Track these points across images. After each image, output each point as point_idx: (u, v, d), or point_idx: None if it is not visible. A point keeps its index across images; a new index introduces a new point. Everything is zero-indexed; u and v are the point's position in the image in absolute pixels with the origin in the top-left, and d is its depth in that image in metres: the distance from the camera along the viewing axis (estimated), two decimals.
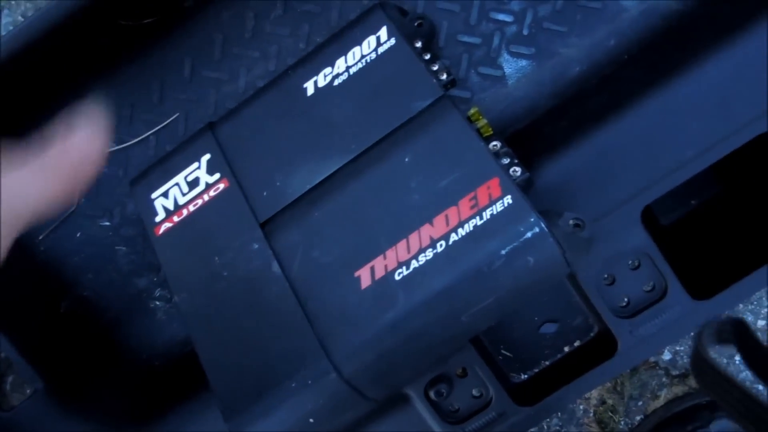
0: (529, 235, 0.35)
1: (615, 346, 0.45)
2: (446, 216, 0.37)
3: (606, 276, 0.44)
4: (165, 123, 0.50)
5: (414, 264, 0.36)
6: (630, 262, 0.44)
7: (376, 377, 0.38)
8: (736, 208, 0.50)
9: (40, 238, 0.50)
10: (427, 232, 0.37)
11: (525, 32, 0.49)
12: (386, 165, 0.39)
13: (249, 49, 0.51)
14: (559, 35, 0.49)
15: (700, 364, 0.42)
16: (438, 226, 0.37)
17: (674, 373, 0.56)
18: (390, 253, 0.37)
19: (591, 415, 0.56)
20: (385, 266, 0.36)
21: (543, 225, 0.35)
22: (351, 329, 0.36)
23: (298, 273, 0.38)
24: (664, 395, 0.56)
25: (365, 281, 0.36)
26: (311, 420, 0.37)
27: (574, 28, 0.49)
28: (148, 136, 0.50)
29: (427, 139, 0.39)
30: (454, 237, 0.36)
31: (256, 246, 0.39)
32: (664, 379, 0.56)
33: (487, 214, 0.36)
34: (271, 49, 0.51)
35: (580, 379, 0.45)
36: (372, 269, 0.37)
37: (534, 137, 0.48)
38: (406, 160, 0.39)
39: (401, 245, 0.37)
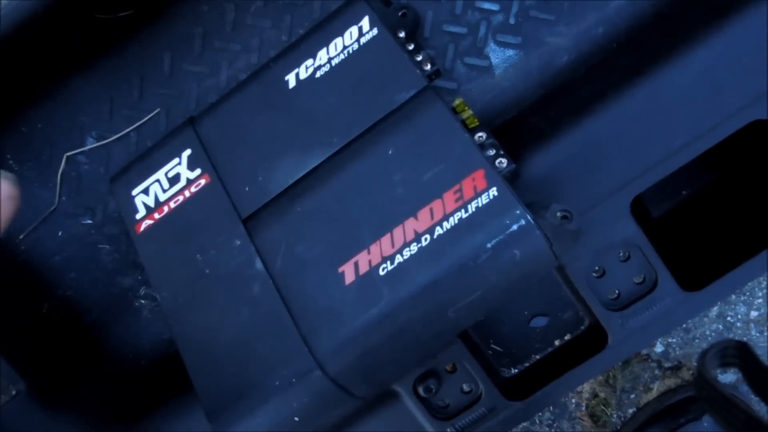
0: (514, 227, 0.35)
1: (606, 339, 0.45)
2: (431, 209, 0.36)
3: (596, 268, 0.44)
4: (145, 119, 0.49)
5: (398, 259, 0.35)
6: (620, 254, 0.44)
7: (362, 374, 0.37)
8: (728, 198, 0.50)
9: (21, 237, 0.49)
10: (411, 225, 0.36)
11: (512, 21, 0.48)
12: (369, 158, 0.38)
13: (230, 42, 0.50)
14: (546, 24, 0.48)
15: (704, 385, 0.42)
16: (422, 219, 0.36)
17: (666, 365, 0.56)
18: (374, 248, 0.36)
19: (583, 408, 0.56)
20: (369, 261, 0.36)
21: (529, 217, 0.35)
22: (335, 326, 0.36)
23: (281, 269, 0.38)
24: (657, 388, 0.55)
25: (349, 277, 0.36)
26: (296, 419, 0.36)
27: (562, 17, 0.48)
28: (129, 132, 0.49)
29: (411, 131, 0.38)
30: (438, 231, 0.35)
31: (238, 242, 0.39)
32: (656, 372, 0.56)
33: (472, 207, 0.35)
34: (253, 42, 0.50)
35: (570, 373, 0.44)
36: (356, 264, 0.36)
37: (521, 128, 0.47)
38: (390, 152, 0.38)
39: (385, 240, 0.36)
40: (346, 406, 0.38)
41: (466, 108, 0.42)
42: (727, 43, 0.42)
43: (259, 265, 0.38)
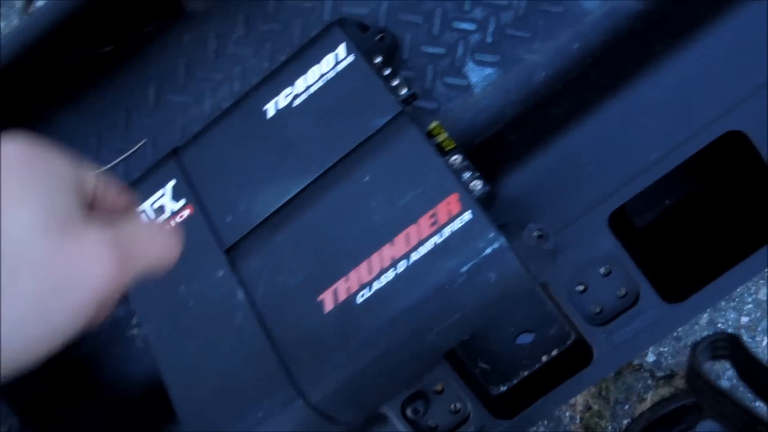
0: (488, 251, 0.35)
1: (591, 353, 0.45)
2: (407, 235, 0.36)
3: (578, 284, 0.44)
4: (133, 150, 0.49)
5: (376, 285, 0.36)
6: (601, 269, 0.44)
7: (346, 401, 0.37)
8: (710, 206, 0.50)
9: None
10: (388, 252, 0.36)
11: (489, 40, 0.49)
12: (346, 185, 0.39)
13: (213, 71, 0.51)
14: (523, 41, 0.48)
15: (696, 379, 0.42)
16: (398, 245, 0.36)
17: (659, 374, 0.56)
18: (352, 275, 0.36)
19: (578, 421, 0.56)
20: (348, 289, 0.36)
21: (503, 240, 0.35)
22: (316, 355, 0.36)
23: (262, 299, 0.38)
24: (650, 397, 0.55)
25: (328, 305, 0.36)
26: None
27: (538, 34, 0.48)
28: (117, 163, 0.50)
29: (386, 157, 0.39)
30: (414, 256, 0.36)
31: (220, 273, 0.39)
32: (649, 381, 0.56)
33: (446, 232, 0.36)
34: (235, 70, 0.51)
35: (557, 389, 0.44)
36: (335, 292, 0.36)
37: (499, 147, 0.48)
38: (366, 179, 0.39)
39: (363, 266, 0.36)
40: None
41: (442, 131, 0.43)
42: (698, 56, 0.42)
43: (240, 295, 0.38)
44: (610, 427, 0.55)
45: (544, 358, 0.48)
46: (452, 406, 0.46)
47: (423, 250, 0.36)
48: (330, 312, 0.36)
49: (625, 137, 0.42)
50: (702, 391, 0.42)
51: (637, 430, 0.55)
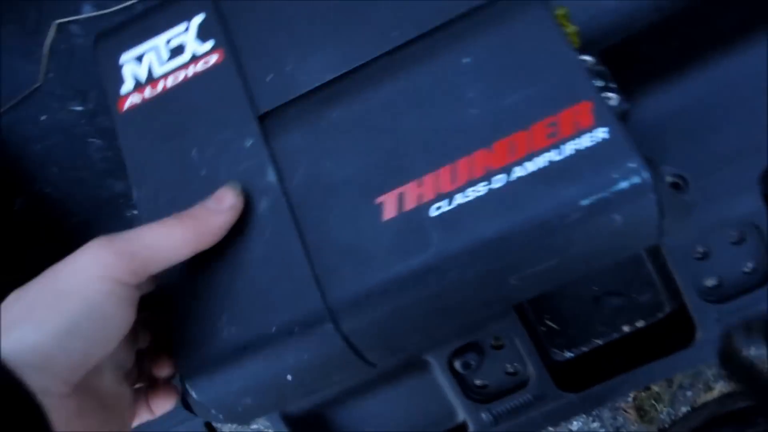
0: (624, 185, 0.26)
1: (691, 333, 0.36)
2: (512, 142, 0.27)
3: (698, 249, 0.35)
4: None
5: (459, 199, 0.27)
6: (733, 234, 0.35)
7: (385, 338, 0.29)
8: None
9: None
10: (482, 159, 0.27)
11: None
12: (436, 64, 0.29)
13: None
14: None
15: (730, 356, 0.36)
16: (498, 153, 0.27)
17: None
18: (428, 180, 0.27)
19: (630, 399, 0.48)
20: (420, 196, 0.27)
21: (647, 176, 0.26)
22: (360, 270, 0.27)
23: (299, 187, 0.29)
24: (720, 388, 0.48)
25: (389, 211, 0.28)
26: (289, 377, 0.29)
27: None
28: (135, 3, 0.39)
29: (498, 36, 0.29)
30: (518, 171, 0.27)
31: (248, 143, 0.30)
32: (722, 370, 0.48)
33: (568, 148, 0.26)
34: None
35: (643, 369, 0.37)
36: (400, 197, 0.28)
37: (627, 60, 0.37)
38: (465, 60, 0.29)
39: (444, 172, 0.27)
40: (353, 372, 0.30)
41: (568, 23, 0.33)
42: None
43: (271, 175, 0.29)
44: (665, 412, 0.48)
45: (626, 329, 0.40)
46: (509, 365, 0.38)
47: (531, 166, 0.27)
48: (390, 220, 0.27)
49: None
50: (735, 369, 0.36)
51: (698, 422, 0.47)
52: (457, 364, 0.37)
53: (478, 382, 0.38)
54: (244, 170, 0.29)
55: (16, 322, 0.23)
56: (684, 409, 0.48)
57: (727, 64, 0.35)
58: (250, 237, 0.29)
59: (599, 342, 0.40)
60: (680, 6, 0.38)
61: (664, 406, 0.48)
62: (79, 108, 0.42)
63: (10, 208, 0.41)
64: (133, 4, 0.39)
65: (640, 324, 0.39)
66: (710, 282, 0.36)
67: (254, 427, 0.56)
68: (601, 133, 0.26)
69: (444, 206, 0.27)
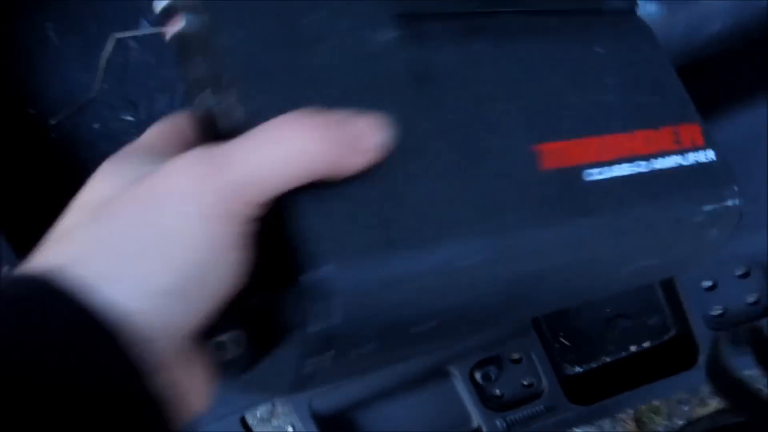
0: (730, 204, 0.28)
1: (695, 356, 0.39)
2: (648, 136, 0.28)
3: (708, 279, 0.38)
4: None
5: (611, 171, 0.27)
6: (739, 268, 0.38)
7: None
8: None
9: (53, 122, 0.43)
10: (627, 142, 0.27)
11: None
12: (573, 42, 0.29)
13: None
14: None
15: (716, 368, 0.38)
16: (638, 142, 0.27)
17: None
18: (589, 143, 0.27)
19: (630, 411, 0.51)
20: (580, 156, 0.26)
21: (739, 202, 0.28)
22: (521, 214, 0.25)
23: (447, 106, 0.25)
24: (715, 404, 0.51)
25: (548, 161, 0.26)
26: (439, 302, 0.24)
27: None
28: None
29: (621, 41, 0.30)
30: (656, 164, 0.27)
31: (384, 36, 0.25)
32: None
33: (690, 158, 0.28)
34: None
35: (648, 387, 0.39)
36: (562, 151, 0.26)
37: None
38: (599, 50, 0.30)
39: (598, 141, 0.27)
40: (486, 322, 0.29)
41: None
42: None
43: (412, 86, 0.24)
44: (663, 426, 0.51)
45: (633, 348, 0.43)
46: (525, 379, 0.41)
47: (665, 162, 0.27)
48: (549, 172, 0.26)
49: None
50: (722, 383, 0.38)
51: None
52: (478, 375, 0.40)
53: (496, 392, 0.41)
54: (381, 72, 0.24)
55: (113, 275, 0.17)
56: (680, 423, 0.52)
57: (751, 115, 0.38)
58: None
59: (608, 359, 0.43)
60: (705, 54, 0.41)
61: (662, 419, 0.51)
62: (130, 118, 0.44)
63: (61, 210, 0.43)
64: None
65: (646, 345, 0.43)
66: (716, 311, 0.39)
67: (275, 423, 0.59)
68: (711, 154, 0.28)
69: (596, 174, 0.26)
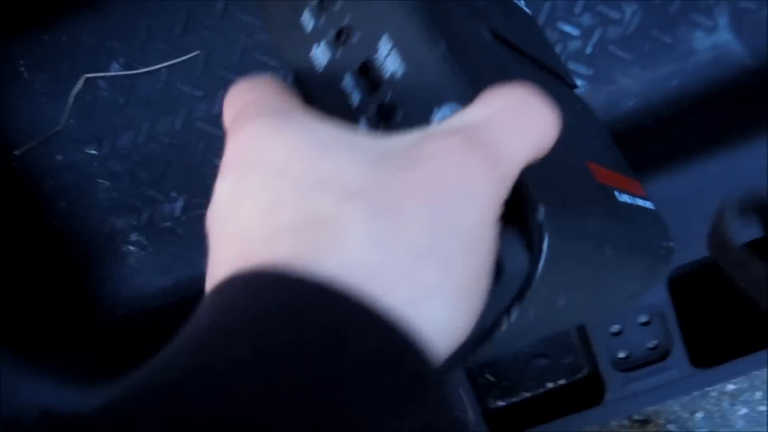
0: (670, 245, 0.32)
1: (602, 394, 0.44)
2: (625, 178, 0.31)
3: (615, 324, 0.43)
4: (182, 58, 0.44)
5: (623, 197, 0.29)
6: (642, 317, 0.43)
7: None
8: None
9: (16, 153, 0.45)
10: (620, 178, 0.31)
11: (588, 51, 0.46)
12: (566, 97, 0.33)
13: None
14: (622, 62, 0.46)
15: (720, 240, 0.38)
16: (624, 180, 0.31)
17: (636, 417, 0.56)
18: (610, 170, 0.30)
19: None
20: (611, 178, 0.29)
21: (672, 246, 0.33)
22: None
23: None
24: None
25: (598, 176, 0.27)
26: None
27: (639, 59, 0.46)
28: (161, 68, 0.45)
29: (581, 105, 0.34)
30: (634, 201, 0.30)
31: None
32: (624, 422, 0.56)
33: (645, 203, 0.32)
34: None
35: (562, 420, 0.44)
36: (601, 172, 0.28)
37: None
38: (578, 107, 0.34)
39: (611, 172, 0.30)
40: None
41: None
42: None
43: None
44: None
45: (550, 385, 0.47)
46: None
47: (639, 202, 0.32)
48: (599, 185, 0.27)
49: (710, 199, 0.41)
50: (725, 253, 0.38)
51: None
52: None
53: None
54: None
55: (423, 290, 0.14)
56: None
57: (655, 186, 0.43)
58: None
59: (527, 394, 0.48)
60: (619, 127, 0.46)
61: None
62: (94, 152, 0.46)
63: (22, 237, 0.45)
64: (159, 68, 0.45)
65: (561, 382, 0.47)
66: (621, 354, 0.44)
67: None
68: (649, 205, 0.32)
69: (620, 196, 0.28)
